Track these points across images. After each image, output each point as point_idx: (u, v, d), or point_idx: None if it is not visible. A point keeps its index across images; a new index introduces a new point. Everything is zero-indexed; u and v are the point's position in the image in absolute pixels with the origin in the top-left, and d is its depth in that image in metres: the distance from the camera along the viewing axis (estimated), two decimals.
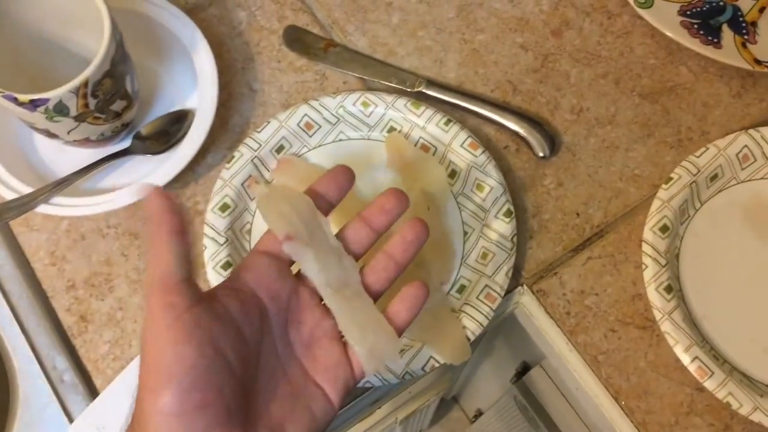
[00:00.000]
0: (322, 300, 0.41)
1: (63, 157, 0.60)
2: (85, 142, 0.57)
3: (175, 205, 0.37)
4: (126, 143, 0.60)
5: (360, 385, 0.52)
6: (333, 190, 0.43)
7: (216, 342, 0.35)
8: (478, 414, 1.22)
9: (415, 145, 0.60)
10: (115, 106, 0.55)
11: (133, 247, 0.59)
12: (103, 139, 0.58)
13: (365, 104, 0.60)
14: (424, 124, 0.60)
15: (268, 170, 0.60)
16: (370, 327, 0.40)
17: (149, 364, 0.34)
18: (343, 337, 0.41)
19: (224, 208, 0.57)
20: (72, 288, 0.58)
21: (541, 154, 0.60)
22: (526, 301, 0.58)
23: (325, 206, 0.42)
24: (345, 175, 0.43)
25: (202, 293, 0.37)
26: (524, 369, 0.87)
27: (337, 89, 0.64)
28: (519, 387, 0.83)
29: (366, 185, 0.59)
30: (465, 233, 0.58)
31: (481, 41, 0.65)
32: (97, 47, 0.50)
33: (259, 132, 0.60)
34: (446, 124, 0.60)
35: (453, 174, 0.59)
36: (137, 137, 0.60)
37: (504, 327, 0.67)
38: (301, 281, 0.41)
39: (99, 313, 0.57)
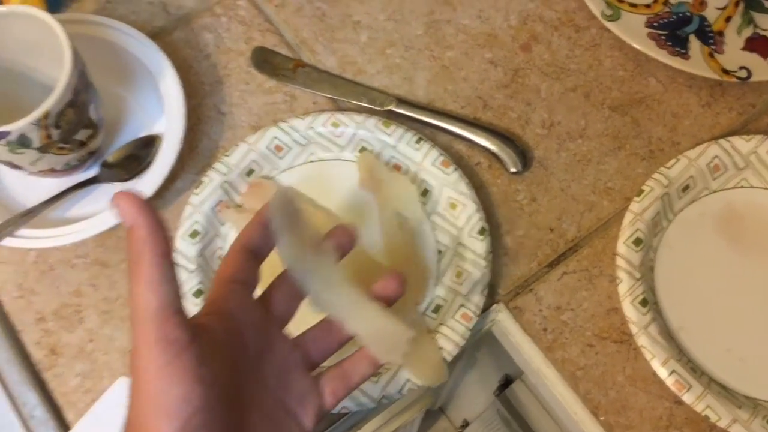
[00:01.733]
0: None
1: (28, 187, 0.59)
2: (51, 172, 0.56)
3: (163, 222, 0.33)
4: (93, 171, 0.60)
5: (336, 411, 0.52)
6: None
7: (220, 378, 0.34)
8: (465, 424, 1.22)
9: (387, 165, 0.60)
10: (80, 135, 0.54)
11: (102, 276, 0.58)
12: (68, 169, 0.57)
13: (335, 125, 0.60)
14: (395, 143, 0.59)
15: (238, 194, 0.59)
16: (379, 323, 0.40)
17: (146, 403, 0.32)
18: (313, 368, 0.40)
19: (194, 234, 0.57)
20: (41, 320, 0.57)
21: (513, 170, 0.60)
22: (502, 319, 0.58)
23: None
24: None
25: (196, 323, 0.34)
26: (507, 382, 0.86)
27: (307, 110, 0.63)
28: (502, 400, 0.83)
29: (339, 206, 0.59)
30: (439, 252, 0.58)
31: (450, 58, 0.65)
32: (60, 76, 0.50)
33: (227, 156, 0.59)
34: (417, 142, 0.59)
35: (425, 193, 0.59)
36: (105, 165, 0.59)
37: (485, 340, 0.67)
38: (268, 311, 0.40)
39: (69, 346, 0.56)
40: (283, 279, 0.41)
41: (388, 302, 0.41)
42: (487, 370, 0.89)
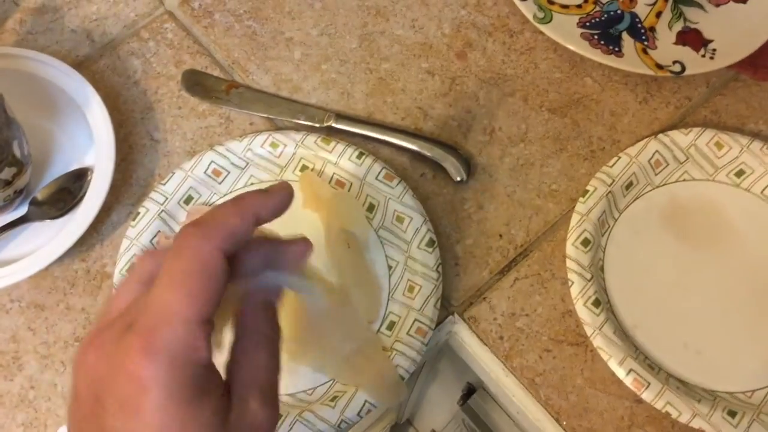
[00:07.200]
0: None
1: None
2: None
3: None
4: (22, 210, 0.57)
5: None
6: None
7: None
8: None
9: (330, 182, 0.58)
10: (4, 174, 0.51)
11: (39, 320, 0.55)
12: None
13: (274, 145, 0.58)
14: (336, 159, 0.58)
15: (178, 224, 0.57)
16: None
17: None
18: None
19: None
20: None
21: (458, 179, 0.59)
22: (458, 330, 0.57)
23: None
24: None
25: None
26: (469, 391, 0.85)
27: (244, 131, 0.62)
28: (466, 410, 0.82)
29: (283, 228, 0.57)
30: (390, 267, 0.57)
31: (387, 69, 0.64)
32: None
33: (163, 184, 0.57)
34: (359, 157, 0.58)
35: (371, 208, 0.58)
36: (33, 203, 0.57)
37: (445, 351, 0.66)
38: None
39: (9, 395, 0.53)
40: None
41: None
42: (450, 380, 0.88)
